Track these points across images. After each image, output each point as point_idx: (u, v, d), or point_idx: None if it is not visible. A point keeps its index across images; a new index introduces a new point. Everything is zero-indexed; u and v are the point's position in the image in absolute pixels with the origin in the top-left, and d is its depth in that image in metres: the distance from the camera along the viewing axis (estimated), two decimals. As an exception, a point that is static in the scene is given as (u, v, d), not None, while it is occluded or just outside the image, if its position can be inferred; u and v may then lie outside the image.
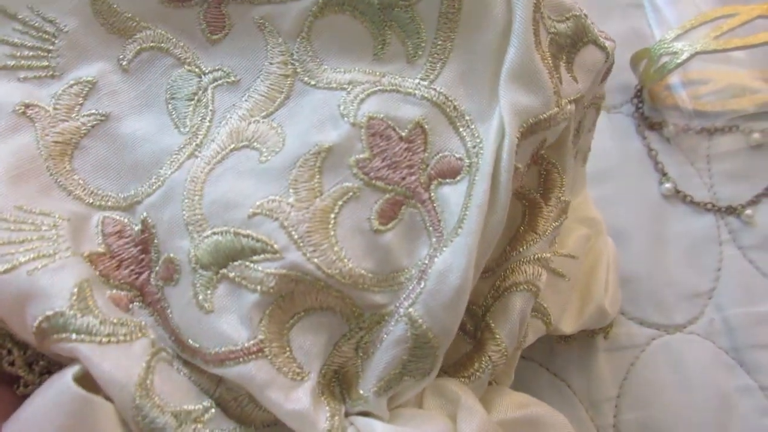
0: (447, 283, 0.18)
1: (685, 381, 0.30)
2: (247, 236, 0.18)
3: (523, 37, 0.19)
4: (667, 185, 0.35)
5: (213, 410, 0.18)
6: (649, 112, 0.36)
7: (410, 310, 0.18)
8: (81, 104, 0.21)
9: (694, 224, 0.34)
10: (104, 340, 0.18)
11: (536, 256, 0.22)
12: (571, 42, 0.21)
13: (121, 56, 0.21)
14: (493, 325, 0.21)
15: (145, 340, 0.18)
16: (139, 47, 0.21)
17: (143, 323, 0.19)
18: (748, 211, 0.34)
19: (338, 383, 0.20)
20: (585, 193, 0.30)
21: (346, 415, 0.19)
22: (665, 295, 0.32)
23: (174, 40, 0.21)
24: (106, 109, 0.21)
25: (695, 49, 0.33)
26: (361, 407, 0.19)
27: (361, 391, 0.19)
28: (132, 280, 0.20)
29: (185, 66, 0.21)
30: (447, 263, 0.18)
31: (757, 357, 0.31)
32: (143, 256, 0.20)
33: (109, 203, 0.20)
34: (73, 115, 0.21)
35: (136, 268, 0.20)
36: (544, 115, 0.19)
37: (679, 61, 0.33)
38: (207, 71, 0.21)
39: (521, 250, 0.22)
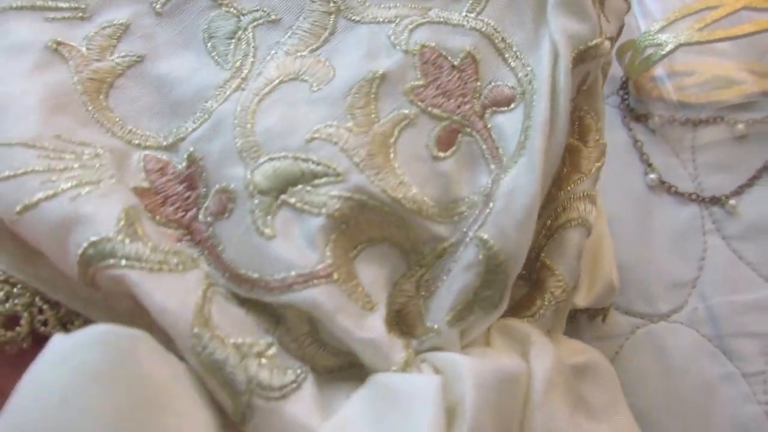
0: (516, 202, 0.18)
1: (668, 369, 0.31)
2: (307, 160, 0.18)
3: None
4: (652, 176, 0.35)
5: (275, 347, 0.17)
6: (635, 103, 0.37)
7: (480, 232, 0.18)
8: (114, 46, 0.21)
9: (678, 214, 0.34)
10: (155, 267, 0.17)
11: (585, 193, 0.22)
12: None
13: (153, 0, 0.21)
14: (549, 262, 0.21)
15: (198, 271, 0.18)
16: None
17: (195, 255, 0.18)
18: (732, 201, 0.34)
19: (401, 323, 0.19)
20: None
21: (417, 353, 0.19)
22: (650, 285, 0.33)
23: None
24: (142, 50, 0.21)
25: (679, 40, 0.33)
26: (432, 341, 0.19)
27: (431, 324, 0.19)
28: (179, 218, 0.19)
29: (223, 7, 0.21)
30: (514, 183, 0.18)
31: (740, 345, 0.32)
32: (189, 192, 0.19)
33: (149, 143, 0.20)
34: (107, 56, 0.20)
35: (182, 204, 0.19)
36: (591, 43, 0.20)
37: (663, 52, 0.33)
38: (246, 12, 0.21)
39: (569, 189, 0.22)
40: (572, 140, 0.23)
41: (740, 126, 0.36)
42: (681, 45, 0.33)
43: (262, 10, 0.21)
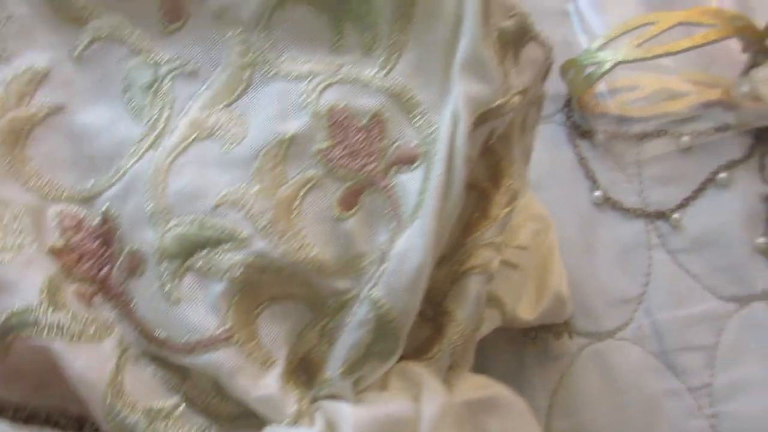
0: (407, 264, 0.19)
1: (614, 387, 0.31)
2: (213, 226, 0.19)
3: (473, 31, 0.20)
4: (597, 193, 0.35)
5: (182, 406, 0.19)
6: (580, 120, 0.37)
7: (372, 292, 0.19)
8: (32, 93, 0.21)
9: (623, 231, 0.35)
10: (75, 337, 0.18)
11: (489, 241, 0.22)
12: (516, 38, 0.22)
13: (73, 46, 0.21)
14: (451, 307, 0.22)
15: (113, 338, 0.19)
16: (92, 37, 0.21)
17: (110, 320, 0.19)
18: (676, 215, 0.35)
19: (304, 370, 0.20)
20: (529, 194, 0.31)
21: (314, 400, 0.20)
22: (595, 303, 0.33)
23: (129, 29, 0.21)
24: (60, 99, 0.21)
25: (617, 58, 0.33)
26: (328, 390, 0.20)
27: (328, 374, 0.20)
28: (93, 274, 0.20)
29: (141, 55, 0.21)
30: (407, 245, 0.19)
31: (685, 359, 0.32)
32: (104, 249, 0.20)
33: (65, 195, 0.20)
34: (25, 103, 0.20)
35: (97, 261, 0.20)
36: (495, 104, 0.20)
37: (602, 70, 0.34)
38: (164, 61, 0.21)
39: (475, 235, 0.22)
40: (486, 184, 0.23)
41: (685, 138, 0.36)
42: (619, 63, 0.33)
43: (180, 61, 0.21)
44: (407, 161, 0.20)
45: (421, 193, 0.19)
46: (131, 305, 0.19)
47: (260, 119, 0.20)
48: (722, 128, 0.37)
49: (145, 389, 0.18)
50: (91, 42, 0.21)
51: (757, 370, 0.32)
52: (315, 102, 0.20)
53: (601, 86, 0.36)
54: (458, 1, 0.20)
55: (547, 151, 0.36)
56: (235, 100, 0.20)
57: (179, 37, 0.21)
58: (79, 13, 0.21)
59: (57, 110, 0.21)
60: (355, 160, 0.20)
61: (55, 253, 0.19)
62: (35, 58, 0.21)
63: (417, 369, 0.21)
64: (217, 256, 0.18)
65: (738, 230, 0.34)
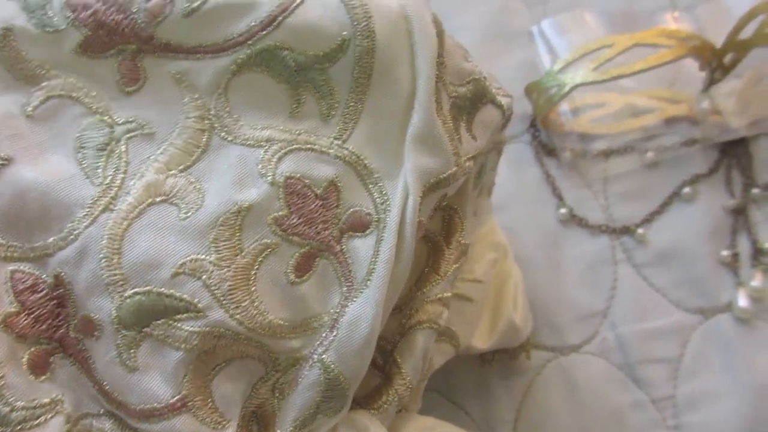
0: (357, 332, 0.20)
1: (578, 400, 0.32)
2: (171, 296, 0.19)
3: (425, 105, 0.21)
4: (563, 210, 0.36)
5: None
6: (547, 139, 0.38)
7: (323, 356, 0.20)
8: None
9: (589, 247, 0.36)
10: (17, 428, 0.19)
11: (437, 296, 0.23)
12: (471, 104, 0.23)
13: (25, 102, 0.21)
14: (399, 360, 0.23)
15: (59, 417, 0.19)
16: (47, 94, 0.21)
17: (59, 397, 0.20)
18: (641, 230, 0.36)
19: (257, 421, 0.21)
20: (492, 221, 0.32)
21: None
22: (560, 318, 0.34)
23: (86, 89, 0.21)
24: (8, 152, 0.20)
25: (575, 81, 0.34)
26: None
27: (279, 430, 0.21)
28: (50, 334, 0.20)
29: (96, 115, 0.21)
30: (357, 313, 0.20)
31: (649, 371, 0.33)
32: (60, 310, 0.20)
33: (16, 254, 0.20)
34: None
35: (53, 322, 0.20)
36: (444, 175, 0.21)
37: (561, 93, 0.35)
38: (120, 122, 0.20)
39: (425, 290, 0.23)
40: (439, 239, 0.24)
41: (650, 154, 0.37)
42: (577, 86, 0.34)
43: (137, 122, 0.20)
44: (360, 228, 0.21)
45: (373, 259, 0.20)
46: (90, 363, 0.20)
47: (217, 186, 0.20)
48: (688, 143, 0.37)
49: None
50: (46, 99, 0.21)
51: (720, 381, 0.32)
52: (272, 171, 0.20)
53: (564, 106, 0.37)
54: (412, 75, 0.21)
55: (515, 169, 0.38)
56: (192, 165, 0.20)
57: (136, 99, 0.21)
58: (33, 72, 0.21)
59: (5, 164, 0.20)
60: (311, 227, 0.20)
61: (9, 321, 0.20)
62: None
63: (363, 419, 0.22)
64: (174, 325, 0.19)
65: (703, 243, 0.35)
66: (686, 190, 0.36)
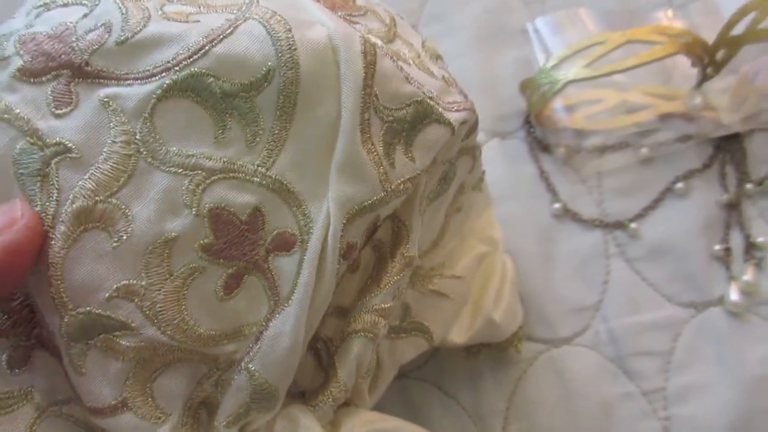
0: (278, 346, 0.22)
1: (569, 390, 0.33)
2: (107, 317, 0.21)
3: (348, 135, 0.21)
4: (556, 205, 0.37)
5: None
6: (541, 135, 0.38)
7: (250, 365, 0.22)
8: None
9: (582, 241, 0.36)
10: None
11: (375, 307, 0.24)
12: (411, 126, 0.23)
13: None
14: (336, 364, 0.24)
15: (28, 406, 0.22)
16: None
17: (29, 388, 0.22)
18: (634, 225, 0.36)
19: (205, 410, 0.23)
20: (489, 213, 0.32)
21: None
22: (553, 311, 0.34)
23: (17, 111, 0.21)
24: None
25: (568, 77, 0.35)
26: None
27: (216, 423, 0.23)
28: (28, 333, 0.22)
29: (27, 138, 0.21)
30: (278, 329, 0.22)
31: (640, 364, 0.33)
32: (32, 315, 0.22)
33: None
34: None
35: (29, 324, 0.22)
36: (369, 202, 0.22)
37: (554, 90, 0.35)
38: (49, 144, 0.21)
39: (364, 300, 0.24)
40: (385, 250, 0.25)
41: (644, 150, 0.38)
42: (570, 82, 0.35)
43: (64, 145, 0.21)
44: (285, 247, 0.22)
45: (295, 279, 0.22)
46: (60, 356, 0.22)
47: (146, 213, 0.21)
48: (682, 139, 0.38)
49: None
50: None
51: (711, 374, 0.33)
52: (197, 202, 0.21)
53: (558, 103, 0.38)
54: (338, 105, 0.21)
55: (510, 165, 0.38)
56: (118, 191, 0.21)
57: (66, 124, 0.21)
58: None
59: None
60: (237, 249, 0.21)
61: None
62: None
63: (297, 412, 0.23)
64: (113, 339, 0.21)
65: (695, 238, 0.36)
66: (680, 185, 0.37)
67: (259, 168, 0.21)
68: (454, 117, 0.24)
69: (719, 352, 0.33)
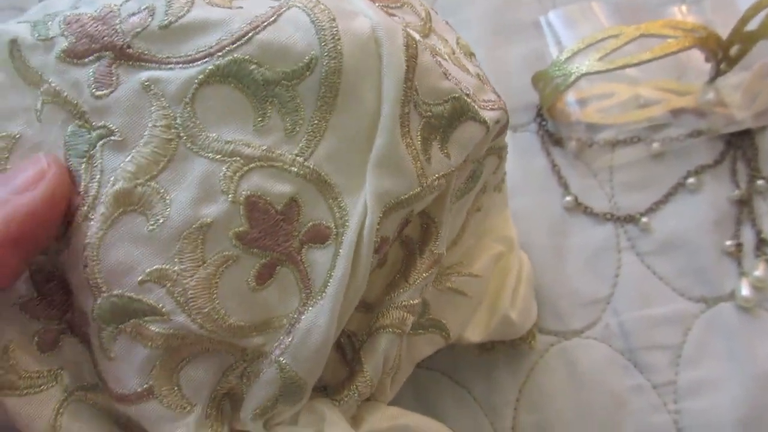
0: (310, 340, 0.21)
1: (580, 383, 0.33)
2: (139, 301, 0.21)
3: (389, 128, 0.21)
4: (568, 198, 0.37)
5: None
6: (553, 128, 0.38)
7: (280, 358, 0.21)
8: (6, 157, 0.22)
9: (594, 234, 0.36)
10: (23, 392, 0.21)
11: (403, 303, 0.24)
12: (447, 122, 0.23)
13: (35, 108, 0.22)
14: (363, 359, 0.24)
15: (57, 388, 0.22)
16: (42, 99, 0.22)
17: (59, 370, 0.22)
18: (645, 219, 0.36)
19: (229, 401, 0.23)
20: (505, 214, 0.33)
21: (233, 431, 0.23)
22: (564, 304, 0.34)
23: (66, 94, 0.21)
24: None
25: (581, 71, 0.35)
26: (243, 427, 0.23)
27: (242, 415, 0.23)
28: (60, 315, 0.22)
29: (76, 121, 0.21)
30: (310, 322, 0.21)
31: (651, 357, 0.33)
32: (66, 297, 0.22)
33: None
34: (0, 168, 0.22)
35: (63, 306, 0.22)
36: (406, 196, 0.22)
37: (567, 82, 0.35)
38: (95, 127, 0.21)
39: (393, 296, 0.24)
40: (414, 246, 0.25)
41: (655, 145, 0.38)
42: (583, 75, 0.35)
43: (108, 128, 0.21)
44: (319, 240, 0.22)
45: (329, 272, 0.21)
46: (90, 343, 0.22)
47: (182, 198, 0.21)
48: (693, 134, 0.38)
49: (84, 427, 0.22)
50: (44, 104, 0.22)
51: (721, 368, 0.33)
52: (234, 189, 0.21)
53: (571, 97, 0.38)
54: (378, 98, 0.21)
55: (521, 158, 0.38)
56: (158, 174, 0.21)
57: (107, 106, 0.21)
58: (34, 78, 0.22)
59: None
60: (271, 239, 0.21)
61: (25, 304, 0.22)
62: (9, 123, 0.22)
63: (322, 406, 0.23)
64: (144, 324, 0.21)
65: (706, 233, 0.36)
66: (691, 180, 0.37)
67: (297, 158, 0.21)
68: (489, 116, 0.24)
69: (730, 347, 0.33)
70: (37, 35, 0.21)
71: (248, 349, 0.22)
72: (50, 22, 0.22)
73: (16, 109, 0.22)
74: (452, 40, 0.26)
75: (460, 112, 0.23)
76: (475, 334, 0.29)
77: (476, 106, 0.23)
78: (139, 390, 0.21)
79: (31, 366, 0.22)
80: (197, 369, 0.22)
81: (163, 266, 0.20)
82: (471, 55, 0.27)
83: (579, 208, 0.37)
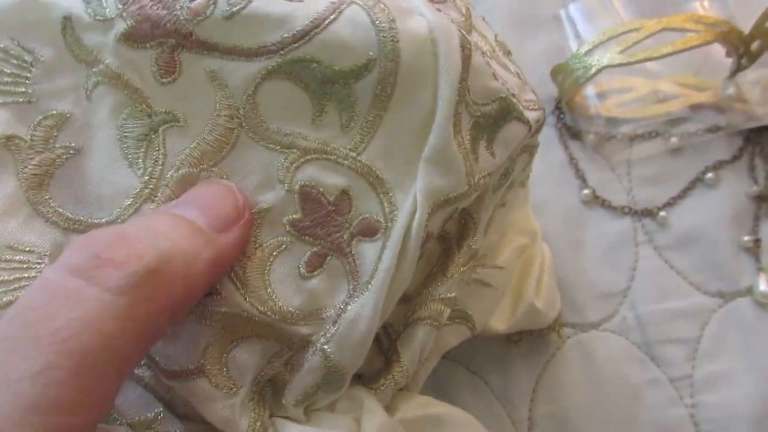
0: (356, 330, 0.22)
1: (597, 375, 0.33)
2: None
3: (443, 128, 0.21)
4: (586, 191, 0.37)
5: (162, 415, 0.23)
6: (571, 122, 0.38)
7: (325, 347, 0.22)
8: (56, 136, 0.22)
9: (611, 228, 0.36)
10: None
11: (441, 296, 0.25)
12: (494, 122, 0.23)
13: (86, 87, 0.22)
14: (399, 350, 0.24)
15: None
16: (96, 80, 0.22)
17: None
18: (663, 213, 0.36)
19: (271, 388, 0.24)
20: (526, 207, 0.33)
21: (273, 416, 0.23)
22: (581, 296, 0.34)
23: (125, 78, 0.21)
24: (78, 142, 0.22)
25: (602, 63, 0.35)
26: (283, 412, 0.23)
27: (284, 401, 0.23)
28: None
29: (135, 104, 0.22)
30: (356, 313, 0.22)
31: (667, 351, 0.33)
32: None
33: (82, 227, 0.22)
34: (49, 146, 0.22)
35: None
36: (454, 194, 0.22)
37: (588, 75, 0.35)
38: (157, 112, 0.21)
39: (431, 288, 0.25)
40: (451, 241, 0.25)
41: (674, 139, 0.38)
42: (604, 68, 0.35)
43: (172, 114, 0.21)
44: (369, 233, 0.22)
45: (376, 265, 0.22)
46: None
47: (242, 184, 0.22)
48: (712, 129, 0.38)
49: (130, 404, 0.22)
50: (96, 85, 0.22)
51: (738, 363, 0.33)
52: (290, 179, 0.22)
53: (590, 90, 0.38)
54: (433, 97, 0.21)
55: (539, 151, 0.38)
56: (221, 161, 0.22)
57: (171, 92, 0.21)
58: (88, 56, 0.22)
59: (76, 153, 0.22)
60: (323, 229, 0.22)
61: None
62: (58, 101, 0.22)
63: (359, 393, 0.24)
64: (201, 303, 0.21)
65: (724, 228, 0.36)
66: (709, 175, 0.37)
67: (351, 152, 0.22)
68: (531, 116, 0.24)
69: (746, 342, 0.33)
70: (92, 13, 0.21)
71: (295, 338, 0.22)
72: (105, 1, 0.21)
73: (65, 87, 0.22)
74: (491, 36, 0.26)
75: (506, 111, 0.23)
76: (500, 322, 0.29)
77: (521, 107, 0.24)
78: (191, 368, 0.22)
79: None
80: (245, 352, 0.22)
81: None
82: (508, 53, 0.27)
83: (597, 201, 0.37)
